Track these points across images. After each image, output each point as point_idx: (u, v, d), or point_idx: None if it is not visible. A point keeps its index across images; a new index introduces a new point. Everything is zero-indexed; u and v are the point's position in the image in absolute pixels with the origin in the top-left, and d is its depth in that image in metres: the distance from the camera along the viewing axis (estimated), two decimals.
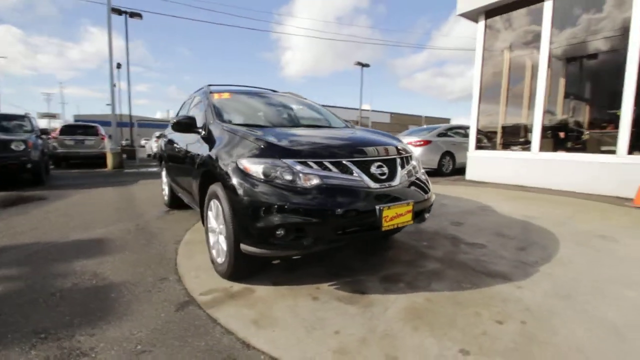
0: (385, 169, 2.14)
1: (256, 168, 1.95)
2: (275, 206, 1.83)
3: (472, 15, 7.05)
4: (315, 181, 1.90)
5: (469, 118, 7.49)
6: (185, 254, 2.78)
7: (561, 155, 5.99)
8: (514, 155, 6.69)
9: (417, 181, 2.35)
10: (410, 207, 2.06)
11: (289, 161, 1.95)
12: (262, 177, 1.92)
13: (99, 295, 2.07)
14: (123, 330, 1.69)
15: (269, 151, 2.02)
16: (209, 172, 2.43)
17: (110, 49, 11.06)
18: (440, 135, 8.75)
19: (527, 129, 6.67)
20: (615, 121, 5.44)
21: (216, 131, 2.58)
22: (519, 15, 6.64)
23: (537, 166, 6.12)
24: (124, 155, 12.47)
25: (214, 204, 2.34)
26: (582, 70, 7.23)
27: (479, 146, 7.41)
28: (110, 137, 11.78)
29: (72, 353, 1.51)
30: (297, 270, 2.41)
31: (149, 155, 16.91)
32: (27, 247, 2.92)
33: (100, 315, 1.83)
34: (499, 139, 7.24)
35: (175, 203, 4.40)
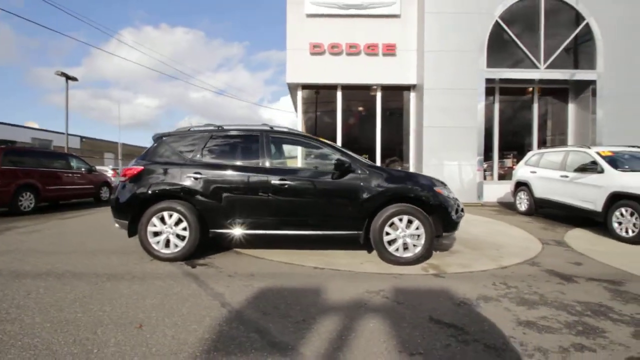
0: None
1: (442, 190, 3.77)
2: (461, 207, 3.81)
3: (293, 86, 9.99)
4: (453, 195, 4.02)
5: None
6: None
7: None
8: None
9: None
10: None
11: (447, 187, 3.93)
12: (446, 195, 3.77)
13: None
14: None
15: (441, 182, 3.87)
16: (394, 198, 3.65)
17: None
18: None
19: None
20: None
21: (378, 170, 3.80)
22: (321, 92, 10.45)
23: None
24: None
25: (399, 220, 3.63)
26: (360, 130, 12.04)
27: None
28: None
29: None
30: None
31: None
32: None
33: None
34: None
35: (196, 250, 3.75)
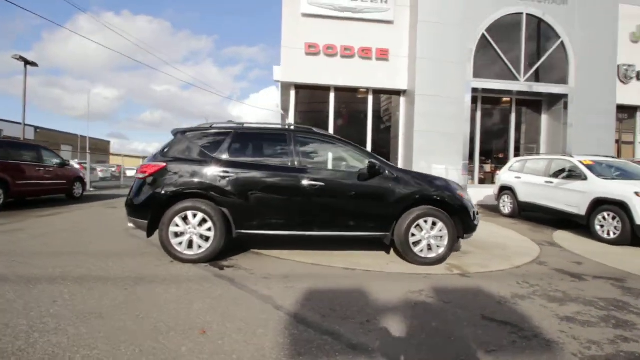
0: None
1: (464, 194, 3.93)
2: (476, 211, 4.00)
3: (285, 85, 9.88)
4: (470, 198, 4.21)
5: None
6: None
7: None
8: None
9: None
10: None
11: (466, 191, 4.10)
12: (465, 198, 3.94)
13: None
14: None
15: (460, 186, 4.03)
16: (420, 201, 3.76)
17: None
18: None
19: None
20: None
21: (405, 173, 3.90)
22: (314, 92, 10.44)
23: None
24: None
25: (424, 222, 3.74)
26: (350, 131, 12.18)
27: None
28: None
29: None
30: None
31: None
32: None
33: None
34: None
35: (220, 252, 3.61)
